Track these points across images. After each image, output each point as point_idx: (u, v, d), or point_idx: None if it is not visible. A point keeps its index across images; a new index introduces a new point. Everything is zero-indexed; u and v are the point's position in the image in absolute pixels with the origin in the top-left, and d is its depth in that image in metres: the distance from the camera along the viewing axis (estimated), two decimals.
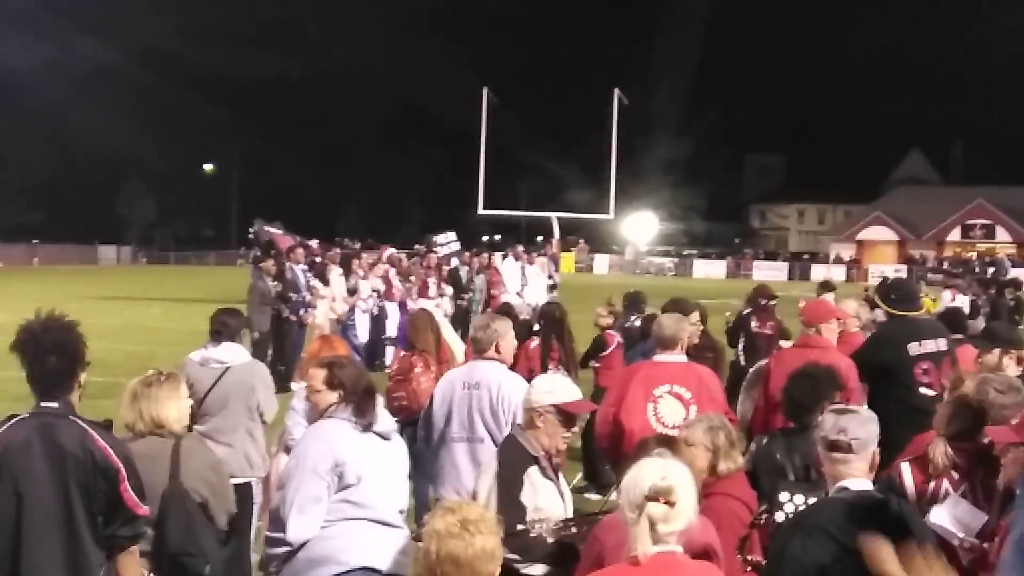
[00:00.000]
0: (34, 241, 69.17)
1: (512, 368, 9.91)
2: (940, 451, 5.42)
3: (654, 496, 3.59)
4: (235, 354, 7.53)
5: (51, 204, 76.74)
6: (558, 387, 5.43)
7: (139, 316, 30.05)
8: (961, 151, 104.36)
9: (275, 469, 6.87)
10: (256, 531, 7.15)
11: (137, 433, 5.32)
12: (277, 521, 5.14)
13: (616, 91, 53.23)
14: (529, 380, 9.68)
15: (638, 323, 11.43)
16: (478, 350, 6.91)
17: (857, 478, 4.12)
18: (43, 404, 4.56)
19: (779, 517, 4.96)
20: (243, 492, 7.04)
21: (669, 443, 5.00)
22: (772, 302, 13.36)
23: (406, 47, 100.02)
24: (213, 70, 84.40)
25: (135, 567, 4.70)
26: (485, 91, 53.74)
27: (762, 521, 4.88)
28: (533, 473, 5.20)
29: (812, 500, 4.82)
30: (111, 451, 4.54)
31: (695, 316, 9.78)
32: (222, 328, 7.59)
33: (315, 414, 5.59)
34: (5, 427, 4.52)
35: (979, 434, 5.35)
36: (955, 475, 5.29)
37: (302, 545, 5.09)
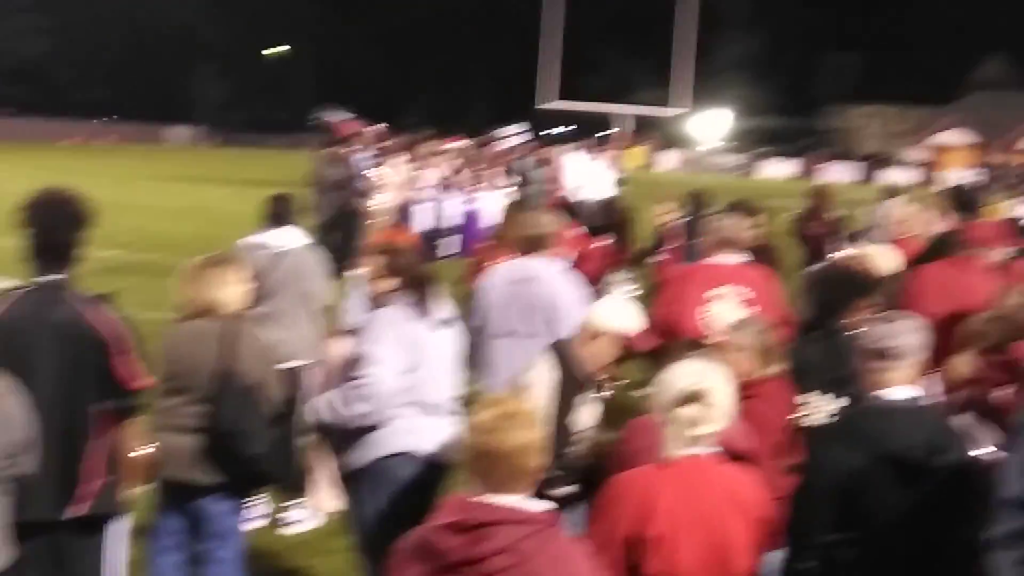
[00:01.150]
0: (104, 118, 69.59)
1: (575, 266, 9.90)
2: (963, 361, 5.42)
3: (687, 399, 3.61)
4: (291, 238, 7.57)
5: (121, 81, 76.89)
6: (625, 313, 5.39)
7: (207, 197, 30.26)
8: None
9: (331, 352, 6.95)
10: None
11: (191, 314, 5.39)
12: (351, 379, 5.29)
13: None
14: (593, 280, 9.71)
15: (698, 222, 11.36)
16: (530, 247, 6.77)
17: (902, 386, 4.09)
18: (44, 276, 4.65)
19: (805, 421, 4.97)
20: (294, 376, 7.13)
21: (709, 346, 4.99)
22: (821, 201, 13.18)
23: None
24: None
25: (134, 440, 4.87)
26: None
27: (800, 424, 4.89)
28: (581, 394, 5.23)
29: (840, 403, 4.81)
30: (106, 324, 4.64)
31: (757, 218, 9.71)
32: (278, 212, 7.64)
33: (374, 301, 5.67)
34: (8, 300, 4.63)
35: (1009, 349, 5.34)
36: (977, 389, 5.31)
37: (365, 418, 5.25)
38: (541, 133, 53.48)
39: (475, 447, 3.26)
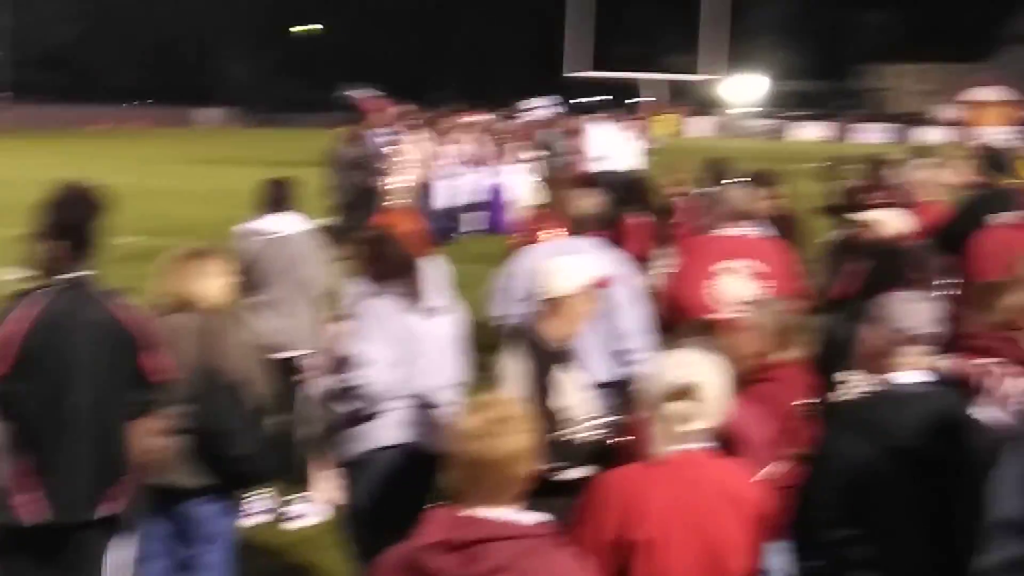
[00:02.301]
0: (134, 103, 69.66)
1: (620, 245, 9.38)
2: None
3: (675, 394, 3.34)
4: (289, 223, 7.36)
5: (151, 65, 76.93)
6: (579, 267, 5.07)
7: (234, 180, 30.02)
8: None
9: (331, 339, 6.74)
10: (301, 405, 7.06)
11: (172, 307, 5.17)
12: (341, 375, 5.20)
13: None
14: (639, 259, 9.23)
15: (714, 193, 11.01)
16: (579, 226, 6.41)
17: (914, 370, 3.80)
18: (70, 272, 4.55)
19: (834, 397, 4.70)
20: (292, 365, 6.96)
21: (712, 327, 4.70)
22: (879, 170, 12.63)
23: None
24: None
25: (152, 432, 4.73)
26: None
27: (815, 411, 4.59)
28: (557, 372, 4.86)
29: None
30: (135, 320, 4.62)
31: (775, 187, 9.44)
32: (276, 197, 7.44)
33: (363, 293, 5.49)
34: (36, 296, 4.53)
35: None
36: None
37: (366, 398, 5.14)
38: (572, 103, 53.22)
39: (462, 455, 2.99)
